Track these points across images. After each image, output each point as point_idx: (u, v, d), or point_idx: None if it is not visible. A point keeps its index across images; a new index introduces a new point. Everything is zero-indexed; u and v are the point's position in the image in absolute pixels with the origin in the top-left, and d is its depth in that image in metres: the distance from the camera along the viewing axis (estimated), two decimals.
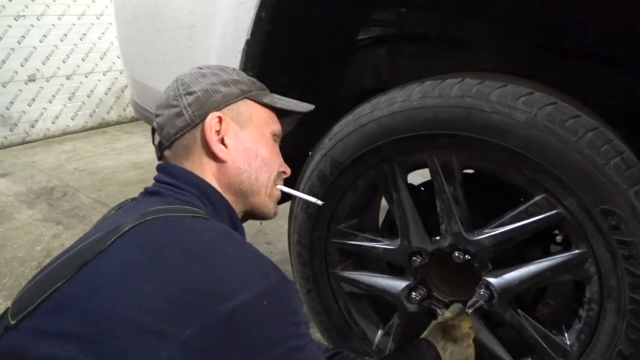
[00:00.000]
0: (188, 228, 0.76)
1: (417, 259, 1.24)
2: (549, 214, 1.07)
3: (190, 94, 0.93)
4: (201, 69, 0.99)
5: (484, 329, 1.26)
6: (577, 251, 1.07)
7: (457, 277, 1.28)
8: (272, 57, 1.37)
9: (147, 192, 0.91)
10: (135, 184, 3.79)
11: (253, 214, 1.03)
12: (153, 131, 0.99)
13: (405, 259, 1.26)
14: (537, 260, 1.13)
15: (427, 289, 1.31)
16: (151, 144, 1.04)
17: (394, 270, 1.41)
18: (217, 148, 0.93)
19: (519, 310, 1.20)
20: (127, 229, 0.73)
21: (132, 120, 6.16)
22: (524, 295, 1.29)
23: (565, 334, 1.19)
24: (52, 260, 0.78)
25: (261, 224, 2.99)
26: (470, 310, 1.23)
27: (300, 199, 1.33)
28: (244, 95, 0.98)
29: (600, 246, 1.03)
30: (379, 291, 1.35)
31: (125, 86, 5.92)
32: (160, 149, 0.97)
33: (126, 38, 1.94)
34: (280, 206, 1.13)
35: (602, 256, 1.03)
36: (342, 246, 1.37)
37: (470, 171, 1.25)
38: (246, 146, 0.97)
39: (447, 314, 1.22)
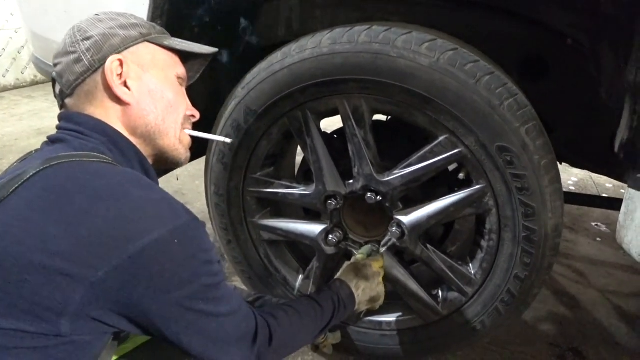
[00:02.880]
0: (94, 172, 0.75)
1: (332, 203, 1.29)
2: (451, 152, 1.14)
3: (87, 39, 0.89)
4: (98, 15, 0.95)
5: (398, 266, 1.34)
6: (477, 187, 1.16)
7: (370, 218, 1.35)
8: (180, 6, 1.33)
9: (51, 141, 0.88)
10: None
11: (164, 159, 1.01)
12: (54, 81, 0.95)
13: (321, 203, 1.31)
14: (442, 198, 1.21)
15: (343, 232, 1.37)
16: (56, 108, 0.99)
17: (311, 216, 1.45)
18: (120, 91, 0.90)
19: (428, 246, 1.28)
20: (30, 174, 0.72)
21: (32, 84, 5.73)
22: (433, 232, 1.38)
23: (470, 264, 1.30)
24: None
25: (177, 178, 2.93)
26: (383, 249, 1.30)
27: (215, 148, 1.33)
28: (144, 38, 0.95)
29: (497, 181, 1.12)
30: (298, 236, 1.40)
31: (22, 47, 5.46)
32: (62, 97, 0.93)
33: None
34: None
35: (499, 190, 1.13)
36: (259, 195, 1.39)
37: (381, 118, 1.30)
38: (150, 88, 0.94)
39: (359, 255, 1.29)
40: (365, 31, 1.13)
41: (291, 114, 1.25)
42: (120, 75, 0.90)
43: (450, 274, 1.28)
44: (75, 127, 0.87)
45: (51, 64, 1.88)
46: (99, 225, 0.68)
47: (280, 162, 1.43)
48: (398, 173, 1.20)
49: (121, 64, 0.90)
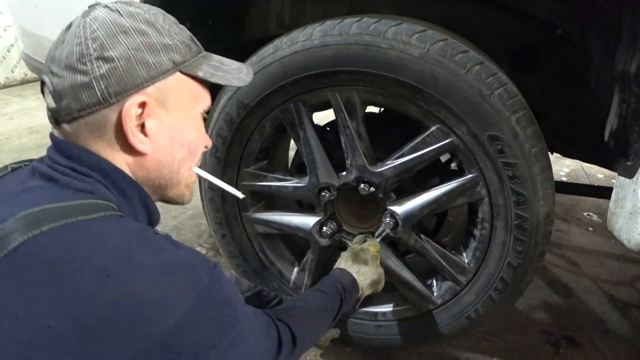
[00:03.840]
0: (95, 238, 0.63)
1: (325, 194, 1.30)
2: (443, 142, 1.15)
3: (104, 59, 0.69)
4: (120, 13, 0.72)
5: (392, 256, 1.35)
6: (469, 176, 1.18)
7: (364, 209, 1.36)
8: (173, 2, 1.33)
9: (40, 174, 0.71)
10: (32, 149, 3.56)
11: (166, 201, 0.88)
12: (42, 83, 0.76)
13: (314, 195, 1.31)
14: (435, 188, 1.22)
15: (337, 223, 1.38)
16: (45, 106, 0.78)
17: (304, 209, 1.46)
18: (137, 139, 0.73)
19: (422, 236, 1.29)
20: (16, 244, 0.59)
21: (23, 82, 5.68)
22: (426, 223, 1.40)
23: (463, 253, 1.31)
24: None
25: None
26: (378, 240, 1.31)
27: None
28: (176, 68, 0.75)
29: (489, 169, 1.13)
30: (292, 229, 1.41)
31: (12, 45, 5.42)
32: (56, 117, 0.74)
33: None
34: None
35: (491, 178, 1.14)
36: (253, 188, 1.40)
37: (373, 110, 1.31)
38: (171, 135, 0.77)
39: (354, 244, 1.30)
40: (356, 23, 1.14)
41: (283, 106, 1.26)
42: (139, 115, 0.73)
43: (444, 263, 1.29)
44: (69, 163, 0.72)
45: (42, 61, 1.88)
46: (110, 311, 0.57)
47: (274, 156, 1.43)
48: (391, 164, 1.21)
49: (143, 106, 0.73)
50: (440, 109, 1.11)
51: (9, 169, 0.77)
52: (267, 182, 1.38)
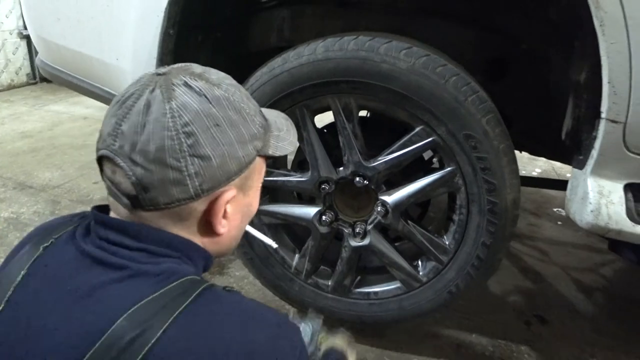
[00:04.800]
0: (209, 326, 0.65)
1: (325, 187, 1.50)
2: (427, 140, 1.37)
3: (200, 157, 0.67)
4: (207, 99, 0.68)
5: (384, 241, 1.55)
6: (448, 169, 1.39)
7: (358, 200, 1.56)
8: (190, 16, 1.52)
9: (97, 260, 0.68)
10: (27, 153, 3.66)
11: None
12: (100, 161, 0.71)
13: (315, 188, 1.51)
14: (420, 179, 1.43)
15: (335, 213, 1.57)
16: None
17: (304, 201, 1.66)
18: (220, 225, 0.74)
19: (409, 222, 1.50)
20: (146, 350, 0.60)
21: (9, 87, 5.78)
22: (412, 212, 1.60)
23: (444, 236, 1.52)
24: None
25: None
26: (370, 227, 1.51)
27: None
28: (257, 154, 0.75)
29: (465, 163, 1.35)
30: (295, 218, 1.60)
31: None
32: (133, 204, 0.68)
33: None
34: None
35: (466, 170, 1.36)
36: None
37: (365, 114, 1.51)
38: (244, 211, 0.79)
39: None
40: (354, 40, 1.35)
41: (290, 110, 1.46)
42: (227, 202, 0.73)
43: (428, 245, 1.50)
44: (138, 244, 0.69)
45: (59, 68, 2.03)
46: None
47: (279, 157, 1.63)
48: (382, 159, 1.42)
49: (233, 196, 0.73)
50: (424, 112, 1.32)
51: (41, 248, 0.71)
52: (273, 177, 1.58)
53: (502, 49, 1.67)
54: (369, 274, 1.71)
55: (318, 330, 1.23)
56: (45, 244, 0.72)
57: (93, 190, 3.01)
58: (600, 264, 2.44)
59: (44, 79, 6.25)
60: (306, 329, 1.16)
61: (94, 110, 4.93)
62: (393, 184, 1.47)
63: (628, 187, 1.34)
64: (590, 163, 1.30)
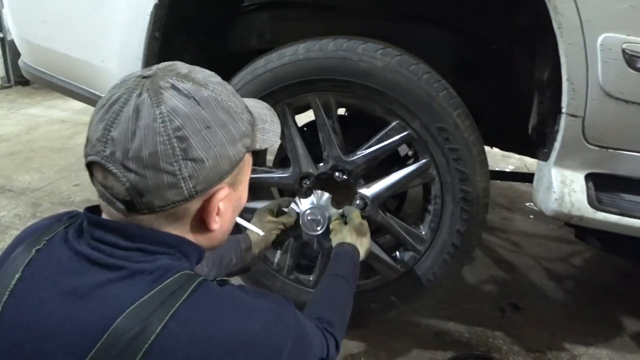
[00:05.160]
0: (206, 320, 0.68)
1: (306, 182, 1.57)
2: (402, 134, 1.45)
3: (193, 160, 0.68)
4: (196, 101, 0.69)
5: None
6: (423, 161, 1.47)
7: (338, 194, 1.63)
8: (175, 20, 1.58)
9: (92, 261, 0.69)
10: (5, 157, 3.62)
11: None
12: (89, 166, 0.71)
13: (297, 184, 1.58)
14: (396, 172, 1.51)
15: None
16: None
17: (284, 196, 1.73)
18: (214, 222, 0.76)
19: (387, 213, 1.58)
20: (147, 345, 0.62)
21: None
22: (390, 205, 1.69)
23: (421, 226, 1.60)
24: None
25: None
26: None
27: None
28: (247, 151, 0.77)
29: (438, 154, 1.43)
30: None
31: None
32: (127, 207, 0.69)
33: None
34: None
35: (440, 161, 1.44)
36: None
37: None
38: (235, 205, 0.81)
39: (335, 220, 1.47)
40: (333, 41, 1.43)
41: (272, 108, 1.53)
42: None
43: (405, 235, 1.58)
44: (133, 244, 0.70)
45: (44, 70, 2.05)
46: None
47: (260, 151, 1.69)
48: (360, 153, 1.50)
49: (227, 194, 0.75)
50: (398, 107, 1.41)
51: (33, 251, 0.72)
52: (255, 174, 1.64)
53: (474, 50, 1.77)
54: None
55: (328, 217, 1.47)
56: (38, 247, 0.72)
57: (74, 192, 3.02)
58: (571, 254, 2.56)
59: (19, 83, 6.19)
60: (317, 215, 1.43)
61: (71, 113, 4.92)
62: (371, 178, 1.55)
63: (589, 177, 1.44)
64: (554, 155, 1.40)
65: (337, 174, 1.54)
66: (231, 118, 0.73)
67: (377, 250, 1.62)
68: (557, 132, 1.38)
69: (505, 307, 2.09)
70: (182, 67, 0.74)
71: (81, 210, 0.77)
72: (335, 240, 1.36)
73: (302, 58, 1.44)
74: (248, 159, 0.80)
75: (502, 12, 1.58)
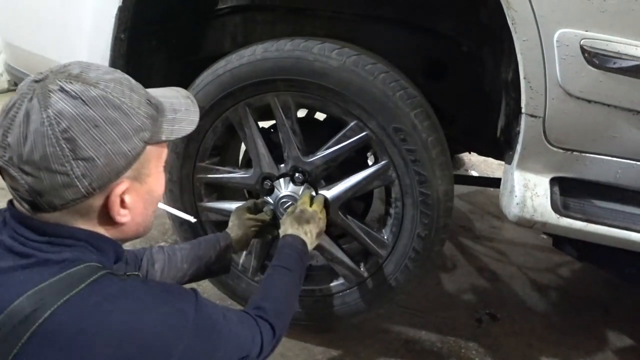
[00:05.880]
0: (99, 306, 0.70)
1: (267, 183, 1.55)
2: (360, 135, 1.42)
3: (83, 159, 0.70)
4: (83, 101, 0.71)
5: (326, 237, 1.59)
6: (382, 162, 1.44)
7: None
8: (141, 23, 1.58)
9: (6, 249, 0.74)
10: None
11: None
12: (2, 171, 0.73)
13: (258, 184, 1.56)
14: (356, 174, 1.48)
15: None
16: None
17: (252, 197, 1.71)
18: (120, 215, 0.78)
19: (348, 216, 1.55)
20: (35, 327, 0.66)
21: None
22: (355, 207, 1.65)
23: (383, 230, 1.56)
24: None
25: None
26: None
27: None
28: (146, 144, 0.78)
29: (396, 155, 1.40)
30: None
31: None
32: (33, 207, 0.74)
33: None
34: None
35: (398, 163, 1.41)
36: (207, 180, 1.64)
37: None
38: (146, 198, 0.82)
39: (299, 200, 1.46)
40: (290, 42, 1.41)
41: (232, 109, 1.52)
42: (121, 195, 0.77)
43: (366, 239, 1.54)
44: (43, 238, 0.74)
45: (24, 71, 2.09)
46: None
47: (225, 152, 1.69)
48: (320, 154, 1.47)
49: (125, 190, 0.77)
50: (355, 107, 1.38)
51: None
52: (218, 174, 1.62)
53: (444, 51, 1.74)
54: (313, 271, 1.76)
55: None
56: None
57: None
58: (559, 265, 2.49)
59: None
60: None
61: None
62: (331, 179, 1.52)
63: (555, 181, 1.39)
64: (516, 157, 1.36)
65: (297, 175, 1.51)
66: (123, 114, 0.74)
67: (339, 252, 1.59)
68: (518, 133, 1.33)
69: (483, 317, 2.03)
70: (74, 67, 0.75)
71: None
72: (281, 233, 1.35)
73: (259, 58, 1.42)
74: (155, 151, 0.81)
75: (468, 11, 1.55)
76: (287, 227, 1.34)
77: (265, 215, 1.52)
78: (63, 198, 0.72)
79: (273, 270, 1.20)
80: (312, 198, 1.47)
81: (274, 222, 1.54)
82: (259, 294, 1.13)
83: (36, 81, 0.72)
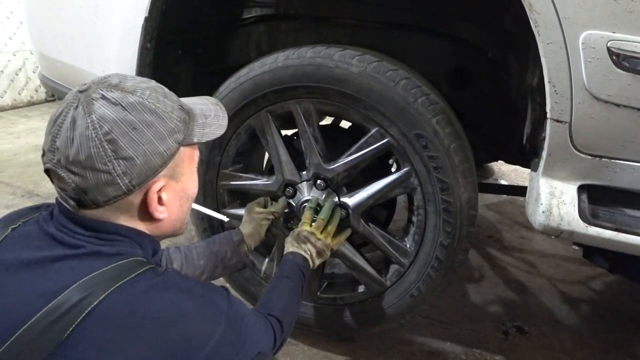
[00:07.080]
0: (144, 295, 0.78)
1: (290, 190, 1.55)
2: (382, 142, 1.41)
3: (123, 158, 0.79)
4: (122, 107, 0.79)
5: (347, 244, 1.58)
6: (404, 169, 1.42)
7: None
8: (167, 33, 1.62)
9: (57, 240, 0.81)
10: (38, 164, 3.69)
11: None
12: (47, 173, 0.83)
13: (280, 190, 1.56)
14: (378, 181, 1.46)
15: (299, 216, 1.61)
16: None
17: None
18: (157, 212, 0.86)
19: (370, 224, 1.53)
20: (86, 311, 0.72)
21: (29, 104, 5.95)
22: (378, 215, 1.64)
23: (405, 239, 1.54)
24: None
25: None
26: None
27: None
28: (180, 145, 0.86)
29: (418, 163, 1.38)
30: None
31: (20, 69, 5.75)
32: (79, 204, 0.82)
33: (34, 15, 2.08)
34: None
35: (420, 170, 1.39)
36: (230, 187, 1.65)
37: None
38: (181, 196, 0.90)
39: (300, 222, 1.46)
40: (311, 49, 1.42)
41: (255, 116, 1.53)
42: (158, 192, 0.85)
43: (389, 247, 1.52)
44: (90, 233, 0.82)
45: (57, 81, 2.16)
46: (170, 348, 0.76)
47: (249, 159, 1.70)
48: (341, 161, 1.47)
49: (162, 187, 0.85)
50: (376, 114, 1.37)
51: (9, 229, 0.85)
52: (241, 181, 1.63)
53: (469, 58, 1.72)
54: (334, 279, 1.75)
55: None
56: (14, 226, 0.86)
57: None
58: (590, 277, 2.41)
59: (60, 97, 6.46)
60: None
61: None
62: (353, 186, 1.51)
63: (583, 188, 1.35)
64: (542, 164, 1.32)
65: (318, 182, 1.51)
66: (158, 118, 0.82)
67: (361, 260, 1.58)
68: (543, 139, 1.30)
69: (510, 330, 1.98)
70: (114, 78, 0.84)
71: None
72: (284, 252, 1.40)
73: (281, 66, 1.43)
74: (188, 152, 0.89)
75: (492, 17, 1.53)
76: (288, 246, 1.40)
77: (274, 207, 1.53)
78: (106, 195, 0.80)
79: (275, 280, 1.28)
80: (333, 211, 1.48)
81: (286, 214, 1.56)
82: (265, 297, 1.21)
83: (81, 91, 0.80)
